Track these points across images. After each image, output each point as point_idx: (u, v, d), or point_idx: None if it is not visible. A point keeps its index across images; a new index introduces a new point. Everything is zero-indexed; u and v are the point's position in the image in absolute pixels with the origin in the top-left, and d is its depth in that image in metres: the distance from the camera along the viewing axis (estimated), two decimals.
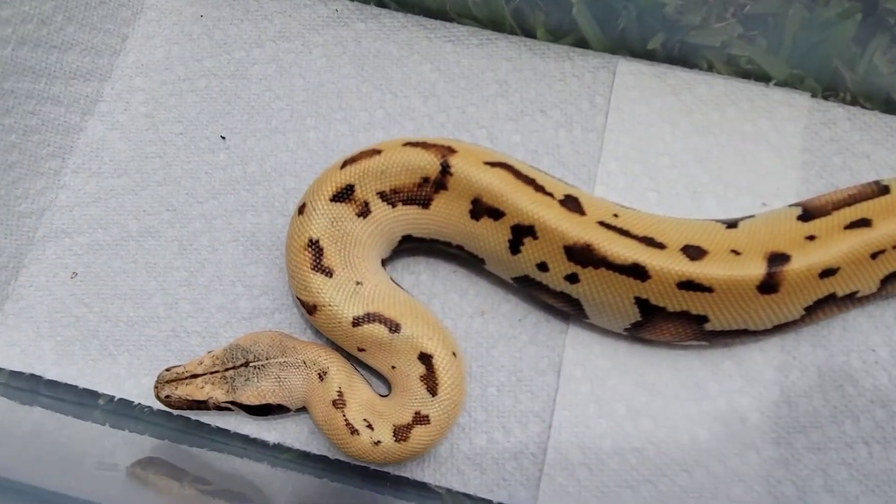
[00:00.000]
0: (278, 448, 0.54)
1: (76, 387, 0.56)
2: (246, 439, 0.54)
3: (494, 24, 0.66)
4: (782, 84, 0.63)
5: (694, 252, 0.50)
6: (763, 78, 0.64)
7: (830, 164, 0.61)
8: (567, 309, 0.54)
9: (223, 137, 0.62)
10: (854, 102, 0.65)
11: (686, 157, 0.61)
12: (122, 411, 0.55)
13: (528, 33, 0.67)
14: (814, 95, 0.63)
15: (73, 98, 0.61)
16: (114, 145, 0.62)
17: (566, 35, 0.66)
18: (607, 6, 0.63)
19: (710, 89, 0.63)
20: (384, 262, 0.57)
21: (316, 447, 0.54)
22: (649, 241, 0.51)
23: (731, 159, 0.61)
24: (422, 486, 0.53)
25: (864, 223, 0.51)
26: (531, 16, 0.66)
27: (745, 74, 0.64)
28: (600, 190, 0.60)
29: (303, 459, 0.54)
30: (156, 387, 0.51)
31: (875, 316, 0.57)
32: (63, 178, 0.61)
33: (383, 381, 0.55)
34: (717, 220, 0.55)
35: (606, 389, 0.55)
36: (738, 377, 0.55)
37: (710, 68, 0.65)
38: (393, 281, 0.55)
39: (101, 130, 0.62)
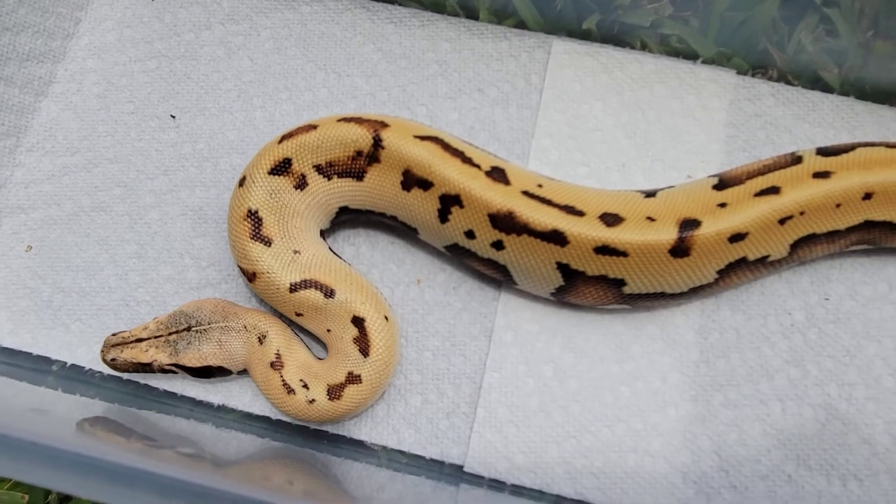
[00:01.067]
0: (223, 409, 0.57)
1: (30, 354, 0.58)
2: (192, 401, 0.57)
3: (436, 6, 0.68)
4: (710, 62, 0.66)
5: (611, 219, 0.53)
6: (692, 56, 0.67)
7: (754, 138, 0.64)
8: (496, 276, 0.57)
9: (173, 116, 0.64)
10: (783, 80, 0.68)
11: (616, 133, 0.64)
12: (73, 376, 0.58)
13: (471, 15, 0.69)
14: (740, 72, 0.66)
15: (27, 79, 0.63)
16: (67, 125, 0.64)
17: (509, 17, 0.69)
18: None
19: (641, 67, 0.65)
20: (324, 233, 0.59)
21: (258, 408, 0.57)
22: (570, 210, 0.53)
23: (660, 134, 0.64)
24: (359, 444, 0.56)
25: (773, 191, 0.54)
26: None
27: (675, 53, 0.67)
28: (534, 164, 0.63)
29: (246, 420, 0.57)
30: (102, 350, 0.53)
31: (792, 281, 0.60)
32: (18, 157, 0.63)
33: (322, 345, 0.58)
34: (638, 191, 0.58)
35: (535, 352, 0.58)
36: (660, 339, 0.58)
37: (644, 47, 0.68)
38: (332, 251, 0.58)
39: (54, 111, 0.65)
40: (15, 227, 0.62)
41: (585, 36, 0.67)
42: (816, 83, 0.67)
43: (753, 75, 0.67)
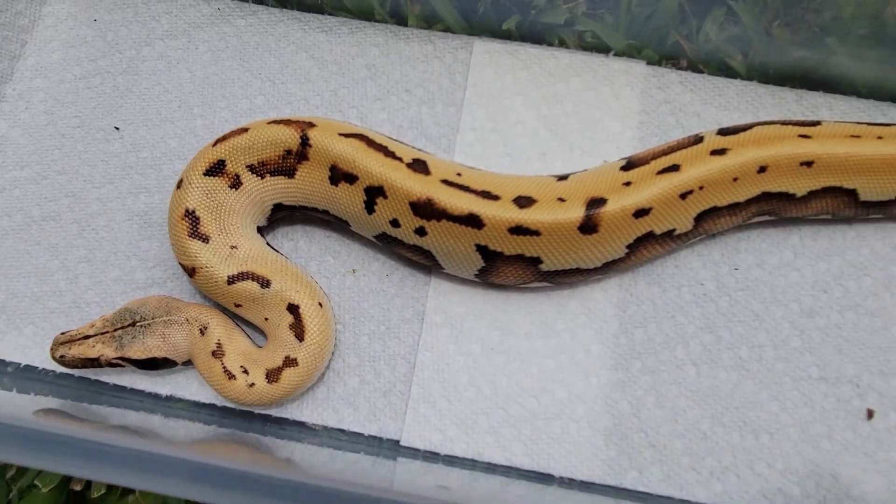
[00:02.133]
0: (171, 399, 0.60)
1: None
2: (141, 394, 0.60)
3: (364, 14, 0.72)
4: (621, 54, 0.71)
5: (524, 201, 0.57)
6: (605, 50, 0.71)
7: (664, 123, 0.68)
8: (424, 261, 0.61)
9: (117, 128, 0.68)
10: (693, 68, 0.73)
11: (536, 125, 0.68)
12: (27, 376, 0.60)
13: (400, 21, 0.73)
14: (650, 63, 0.71)
15: None
16: (16, 141, 0.67)
17: (436, 22, 0.73)
18: None
19: (558, 63, 0.70)
20: (262, 230, 0.63)
21: (205, 397, 0.60)
22: (486, 195, 0.57)
23: (577, 124, 0.68)
24: (301, 425, 0.59)
25: (674, 168, 0.58)
26: (405, 6, 0.73)
27: (589, 48, 0.72)
28: (459, 157, 0.67)
29: (193, 408, 0.60)
30: (51, 349, 0.56)
31: (703, 254, 0.64)
32: None
33: (262, 334, 0.61)
34: (553, 175, 0.62)
35: (464, 332, 0.61)
36: (582, 314, 0.62)
37: (561, 44, 0.72)
38: (269, 245, 0.62)
39: (3, 128, 0.68)
40: None
41: (506, 36, 0.72)
42: (723, 70, 0.72)
43: (664, 65, 0.72)
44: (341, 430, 0.59)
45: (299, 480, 0.39)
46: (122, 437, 0.51)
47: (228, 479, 0.40)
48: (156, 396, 0.60)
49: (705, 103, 0.69)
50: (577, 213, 0.56)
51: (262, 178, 0.60)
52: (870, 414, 0.60)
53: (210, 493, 0.39)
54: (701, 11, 0.69)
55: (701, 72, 0.72)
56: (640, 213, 0.57)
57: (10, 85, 0.69)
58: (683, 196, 0.58)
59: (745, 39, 0.69)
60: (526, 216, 0.56)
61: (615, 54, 0.70)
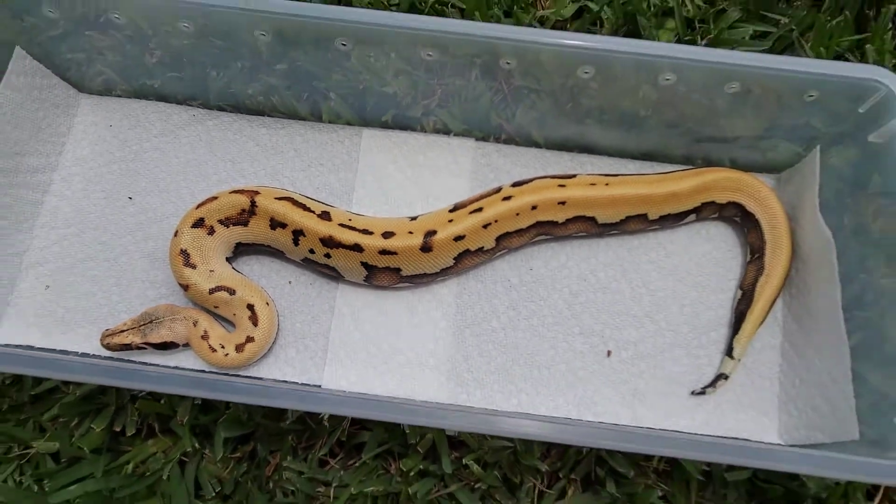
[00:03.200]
0: (176, 368, 0.95)
1: (55, 349, 0.95)
2: (157, 366, 0.94)
3: (292, 114, 1.09)
4: (458, 134, 1.08)
5: (388, 234, 0.94)
6: (447, 132, 1.08)
7: (486, 179, 1.05)
8: (333, 274, 0.97)
9: (130, 198, 1.03)
10: (508, 141, 1.10)
11: (405, 183, 1.04)
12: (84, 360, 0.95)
13: (317, 118, 1.10)
14: (477, 139, 1.08)
15: (35, 184, 1.01)
16: (63, 209, 1.02)
17: (339, 118, 1.10)
18: (358, 97, 1.06)
19: (417, 141, 1.07)
20: (230, 259, 0.99)
21: (197, 366, 0.95)
22: (365, 231, 0.94)
23: (431, 182, 1.05)
24: (259, 379, 0.95)
25: (479, 210, 0.96)
26: (321, 106, 1.09)
27: (438, 131, 1.08)
28: (356, 207, 1.03)
29: (190, 373, 0.95)
30: (100, 339, 0.91)
31: (509, 261, 1.01)
32: (34, 231, 1.01)
33: (231, 324, 0.96)
34: (407, 217, 0.99)
35: (360, 317, 0.98)
36: (434, 302, 0.99)
37: (420, 129, 1.09)
38: (234, 269, 0.97)
39: (54, 201, 1.03)
40: (36, 275, 0.99)
41: (384, 125, 1.08)
42: (528, 141, 1.10)
43: (487, 140, 1.09)
44: (284, 381, 0.95)
45: (257, 384, 0.74)
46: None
47: (210, 384, 0.76)
48: (165, 367, 0.95)
49: (514, 164, 1.06)
50: (418, 240, 0.93)
51: (228, 227, 0.96)
52: (608, 353, 0.98)
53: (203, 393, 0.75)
54: (514, 102, 1.07)
55: (513, 143, 1.10)
56: (458, 238, 0.94)
57: (56, 172, 1.04)
58: (485, 226, 0.95)
59: (541, 120, 1.06)
60: (388, 244, 0.93)
61: (454, 134, 1.08)
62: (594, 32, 1.14)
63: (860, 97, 0.87)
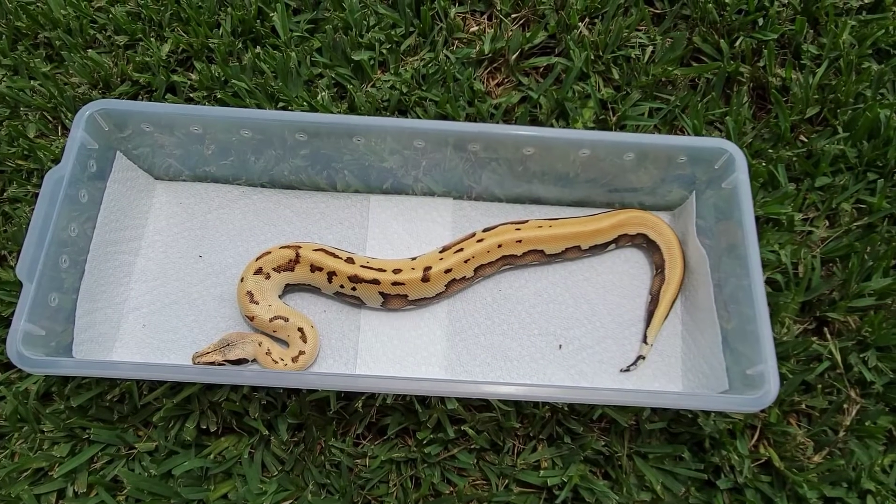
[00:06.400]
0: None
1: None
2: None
3: (315, 187, 1.46)
4: (441, 195, 1.46)
5: (397, 271, 1.30)
6: (432, 193, 1.46)
7: (464, 227, 1.43)
8: (357, 302, 1.33)
9: (201, 256, 1.38)
10: (478, 198, 1.48)
11: (404, 235, 1.41)
12: None
13: (334, 189, 1.47)
14: (455, 198, 1.46)
15: (129, 249, 1.35)
16: (150, 268, 1.36)
17: (351, 188, 1.47)
18: (365, 171, 1.44)
19: (411, 202, 1.44)
20: (281, 296, 1.34)
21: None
22: (380, 270, 1.30)
23: (422, 231, 1.42)
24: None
25: (460, 249, 1.33)
26: (337, 179, 1.46)
27: (425, 193, 1.46)
28: (370, 253, 1.40)
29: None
30: (192, 359, 1.24)
31: (487, 285, 1.38)
32: (131, 284, 1.34)
33: (286, 343, 1.31)
34: (410, 258, 1.35)
35: (379, 332, 1.33)
36: (432, 318, 1.35)
37: (411, 192, 1.47)
38: (285, 303, 1.32)
39: (143, 262, 1.37)
40: (135, 317, 1.32)
41: (385, 191, 1.46)
42: (492, 198, 1.48)
43: (463, 198, 1.47)
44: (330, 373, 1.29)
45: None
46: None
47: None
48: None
49: (483, 215, 1.44)
50: (419, 274, 1.29)
51: (279, 272, 1.31)
52: (560, 347, 1.35)
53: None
54: (480, 169, 1.45)
55: (482, 200, 1.48)
56: (447, 270, 1.31)
57: (143, 240, 1.38)
58: (466, 261, 1.32)
59: (500, 182, 1.43)
60: (397, 278, 1.29)
61: (438, 195, 1.45)
62: (535, 114, 1.55)
63: (714, 158, 1.28)
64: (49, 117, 1.54)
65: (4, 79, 1.56)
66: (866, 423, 1.27)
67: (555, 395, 1.09)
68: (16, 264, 1.24)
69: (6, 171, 1.47)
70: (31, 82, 1.55)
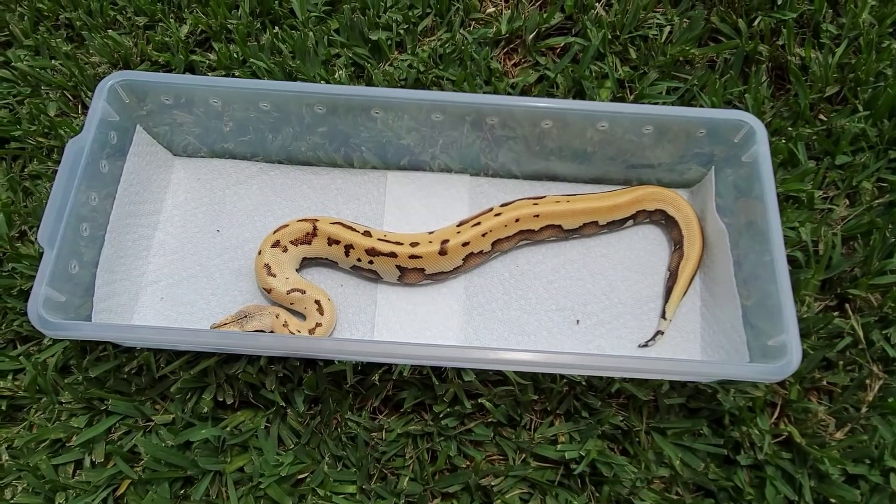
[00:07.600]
0: None
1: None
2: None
3: (332, 163, 1.46)
4: (458, 171, 1.46)
5: (414, 244, 1.30)
6: (449, 170, 1.46)
7: (481, 203, 1.42)
8: (374, 276, 1.33)
9: (218, 230, 1.39)
10: (494, 175, 1.48)
11: (420, 209, 1.41)
12: None
13: (350, 165, 1.47)
14: (471, 175, 1.46)
15: (148, 223, 1.36)
16: (169, 242, 1.37)
17: (368, 164, 1.47)
18: (382, 148, 1.44)
19: (428, 179, 1.43)
20: (298, 269, 1.34)
21: None
22: (397, 243, 1.30)
23: (440, 207, 1.42)
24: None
25: (478, 223, 1.33)
26: (354, 156, 1.46)
27: (442, 169, 1.46)
28: (387, 227, 1.40)
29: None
30: (210, 329, 1.25)
31: (502, 260, 1.38)
32: (150, 258, 1.35)
33: (303, 316, 1.31)
34: (427, 232, 1.35)
35: (396, 307, 1.33)
36: (449, 293, 1.34)
37: (429, 169, 1.47)
38: (302, 277, 1.32)
39: (161, 236, 1.38)
40: (153, 291, 1.33)
41: (402, 168, 1.46)
42: (510, 174, 1.48)
43: (480, 175, 1.47)
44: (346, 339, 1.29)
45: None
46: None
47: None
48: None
49: (500, 191, 1.44)
50: (436, 247, 1.29)
51: (297, 246, 1.31)
52: (577, 322, 1.34)
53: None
54: (496, 146, 1.45)
55: (498, 177, 1.48)
56: (465, 244, 1.31)
57: (161, 214, 1.39)
58: (483, 235, 1.32)
59: (517, 159, 1.43)
60: (415, 251, 1.29)
61: (455, 172, 1.45)
62: (552, 93, 1.55)
63: (734, 131, 1.27)
64: (69, 96, 1.55)
65: (26, 58, 1.57)
66: (889, 400, 1.25)
67: (572, 363, 1.08)
68: (36, 238, 1.25)
69: (27, 148, 1.48)
70: (52, 62, 1.57)
